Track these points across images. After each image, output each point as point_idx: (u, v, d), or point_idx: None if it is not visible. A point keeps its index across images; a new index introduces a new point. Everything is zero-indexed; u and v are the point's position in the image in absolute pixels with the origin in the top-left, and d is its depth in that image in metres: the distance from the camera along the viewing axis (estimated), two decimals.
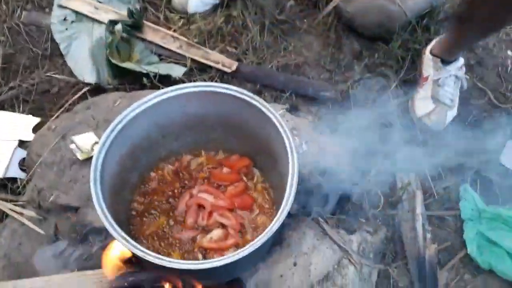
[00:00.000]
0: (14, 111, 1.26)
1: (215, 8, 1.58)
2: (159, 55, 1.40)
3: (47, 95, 1.32)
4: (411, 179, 1.29)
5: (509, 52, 1.63)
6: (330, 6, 1.55)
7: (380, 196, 1.22)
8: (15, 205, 0.94)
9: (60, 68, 1.38)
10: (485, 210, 1.22)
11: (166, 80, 1.32)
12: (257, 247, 0.69)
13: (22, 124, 1.21)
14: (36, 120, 1.22)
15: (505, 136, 1.40)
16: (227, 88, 0.83)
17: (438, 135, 1.39)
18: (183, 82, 1.35)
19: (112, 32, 1.31)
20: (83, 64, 1.35)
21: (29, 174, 1.00)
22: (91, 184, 0.71)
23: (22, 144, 1.17)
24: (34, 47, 1.41)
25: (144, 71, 1.30)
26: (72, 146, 0.99)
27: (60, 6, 1.45)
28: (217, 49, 1.47)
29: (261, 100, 0.83)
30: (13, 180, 1.10)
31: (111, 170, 0.78)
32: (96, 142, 1.00)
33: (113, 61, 1.27)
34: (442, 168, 1.31)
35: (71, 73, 1.36)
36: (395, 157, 1.31)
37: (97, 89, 1.31)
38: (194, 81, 1.37)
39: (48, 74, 1.35)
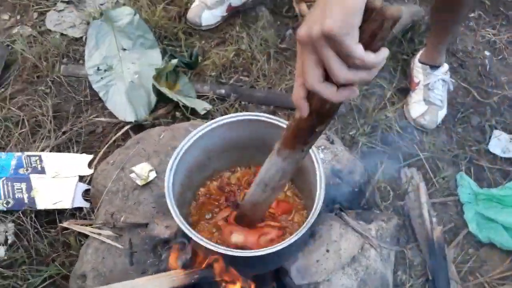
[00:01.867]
0: (69, 151, 1.47)
1: (224, 19, 1.85)
2: (197, 92, 1.62)
3: (94, 135, 1.53)
4: (413, 173, 1.49)
5: (486, 53, 1.85)
6: None
7: (389, 190, 1.42)
8: (92, 227, 1.14)
9: (101, 111, 1.59)
10: (480, 193, 1.42)
11: (196, 112, 1.53)
12: (299, 236, 0.89)
13: (78, 162, 1.42)
14: (90, 157, 1.44)
15: (491, 126, 1.61)
16: (257, 115, 1.05)
17: (432, 132, 1.60)
18: (209, 112, 1.56)
19: (167, 61, 1.57)
20: (121, 106, 1.56)
21: (99, 202, 1.20)
22: (168, 202, 0.91)
23: (81, 178, 1.38)
24: (76, 95, 1.63)
25: (175, 99, 1.52)
26: (132, 175, 1.20)
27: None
28: (232, 79, 1.70)
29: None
30: (79, 209, 1.31)
31: (176, 191, 0.98)
32: (151, 170, 1.21)
33: (157, 86, 1.52)
34: (440, 160, 1.52)
35: (110, 114, 1.58)
36: (397, 155, 1.53)
37: (136, 126, 1.52)
38: (217, 110, 1.59)
39: (92, 117, 1.57)
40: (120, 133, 1.51)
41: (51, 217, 1.30)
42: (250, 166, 1.23)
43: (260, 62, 1.72)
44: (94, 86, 1.62)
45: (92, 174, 1.37)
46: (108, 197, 1.19)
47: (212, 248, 0.86)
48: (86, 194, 1.34)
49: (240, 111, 1.59)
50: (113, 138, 1.49)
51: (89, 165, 1.42)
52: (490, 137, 1.58)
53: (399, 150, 1.54)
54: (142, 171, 1.20)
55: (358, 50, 0.54)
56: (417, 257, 1.31)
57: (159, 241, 1.09)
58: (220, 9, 1.83)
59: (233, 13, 1.88)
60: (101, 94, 1.60)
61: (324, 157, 1.26)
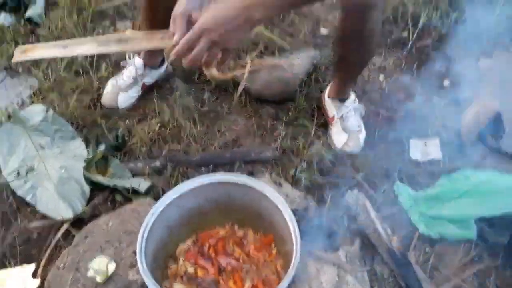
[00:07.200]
0: (6, 267, 1.31)
1: (139, 99, 1.87)
2: (132, 171, 1.57)
3: (30, 243, 1.40)
4: (357, 195, 1.58)
5: (381, 77, 2.10)
6: (240, 89, 1.88)
7: (341, 215, 1.48)
8: None
9: (32, 216, 1.47)
10: (417, 196, 1.55)
11: (136, 191, 1.49)
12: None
13: (20, 276, 1.27)
14: (32, 266, 1.30)
15: (406, 137, 1.80)
16: (212, 177, 1.07)
17: (360, 155, 1.73)
18: (150, 188, 1.53)
19: (94, 150, 1.52)
20: (54, 205, 1.45)
21: None
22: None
23: None
24: None
25: (111, 185, 1.47)
26: (90, 272, 1.11)
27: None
28: (164, 151, 1.69)
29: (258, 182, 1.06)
30: None
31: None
32: (109, 262, 1.13)
33: (90, 177, 1.47)
34: (374, 177, 1.64)
35: (43, 216, 1.46)
36: (337, 182, 1.62)
37: (76, 222, 1.43)
38: (158, 183, 1.56)
39: (23, 225, 1.43)
40: (59, 233, 1.39)
41: None
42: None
43: (187, 128, 1.75)
44: (19, 192, 1.50)
45: (40, 286, 1.24)
46: None
47: None
48: None
49: (182, 178, 1.58)
50: (54, 241, 1.38)
51: (34, 275, 1.28)
52: (408, 147, 1.75)
53: (337, 178, 1.64)
54: (100, 265, 1.12)
55: None
56: (385, 270, 1.37)
57: None
58: (135, 89, 1.85)
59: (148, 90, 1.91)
60: (28, 198, 1.48)
61: None
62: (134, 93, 1.85)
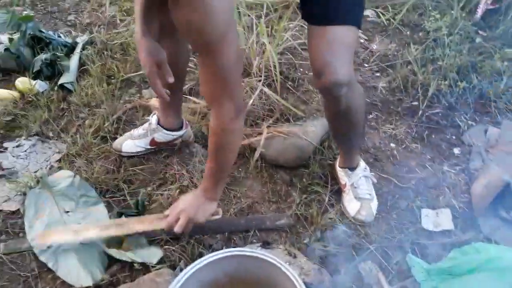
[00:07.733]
0: None
1: (147, 151, 1.97)
2: (149, 237, 1.63)
3: None
4: (370, 265, 1.61)
5: (392, 145, 2.17)
6: (256, 154, 1.96)
7: None
8: None
9: (52, 282, 1.52)
10: (430, 269, 1.56)
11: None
12: None
13: None
14: None
15: (418, 207, 1.83)
16: (230, 251, 1.12)
17: (373, 224, 1.77)
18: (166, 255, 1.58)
19: (115, 216, 1.61)
20: (75, 272, 1.50)
21: None
22: None
23: None
24: (22, 272, 1.54)
25: (129, 260, 1.52)
26: None
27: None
28: None
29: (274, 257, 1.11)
30: None
31: None
32: None
33: (107, 251, 1.54)
34: (387, 248, 1.67)
35: (63, 283, 1.51)
36: (351, 252, 1.64)
37: None
38: (174, 250, 1.61)
39: None
40: None
41: None
42: None
43: None
44: (41, 258, 1.55)
45: None
46: None
47: None
48: None
49: (198, 246, 1.62)
50: None
51: None
52: (420, 216, 1.79)
53: (351, 247, 1.66)
54: None
55: None
56: None
57: None
58: (143, 141, 1.95)
59: (160, 148, 1.99)
60: (50, 265, 1.54)
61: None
62: (141, 143, 1.95)
